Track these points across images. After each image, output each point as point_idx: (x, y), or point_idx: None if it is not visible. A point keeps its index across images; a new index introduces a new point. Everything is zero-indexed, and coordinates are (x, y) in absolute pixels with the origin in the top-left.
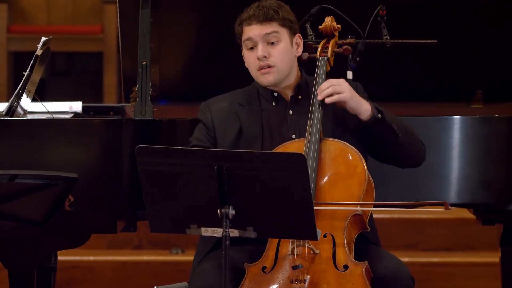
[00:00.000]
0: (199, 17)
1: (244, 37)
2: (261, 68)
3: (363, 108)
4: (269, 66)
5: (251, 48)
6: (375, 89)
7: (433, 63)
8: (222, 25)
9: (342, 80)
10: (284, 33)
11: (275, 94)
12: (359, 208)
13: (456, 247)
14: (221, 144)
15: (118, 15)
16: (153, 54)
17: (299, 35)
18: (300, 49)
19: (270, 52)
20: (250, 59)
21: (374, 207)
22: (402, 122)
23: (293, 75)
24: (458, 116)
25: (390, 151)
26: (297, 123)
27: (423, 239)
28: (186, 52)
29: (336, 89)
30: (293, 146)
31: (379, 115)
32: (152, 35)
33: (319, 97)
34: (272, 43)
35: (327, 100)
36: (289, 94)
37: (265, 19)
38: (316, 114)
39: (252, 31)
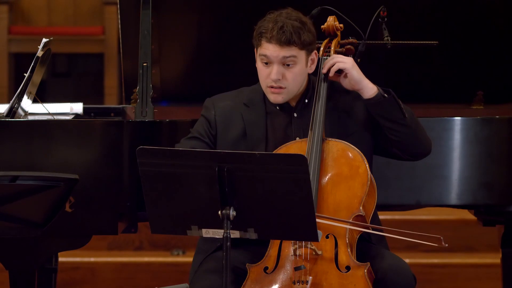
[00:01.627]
0: (200, 18)
1: (261, 51)
2: (272, 87)
3: (367, 85)
4: (280, 87)
5: (266, 63)
6: None
7: (433, 64)
8: (223, 26)
9: (348, 57)
10: (301, 55)
11: None
12: (361, 208)
13: (457, 248)
14: (221, 144)
15: (119, 16)
16: (154, 55)
17: (316, 52)
18: (314, 66)
19: (285, 74)
20: (263, 74)
21: (371, 229)
22: (410, 110)
23: (302, 87)
24: (459, 118)
25: (396, 133)
26: (302, 126)
27: None
28: (187, 53)
29: (337, 59)
30: (295, 146)
31: (386, 95)
32: (153, 36)
33: (323, 70)
34: (288, 65)
35: (331, 70)
36: (294, 101)
37: (287, 43)
38: (319, 114)
39: (270, 50)
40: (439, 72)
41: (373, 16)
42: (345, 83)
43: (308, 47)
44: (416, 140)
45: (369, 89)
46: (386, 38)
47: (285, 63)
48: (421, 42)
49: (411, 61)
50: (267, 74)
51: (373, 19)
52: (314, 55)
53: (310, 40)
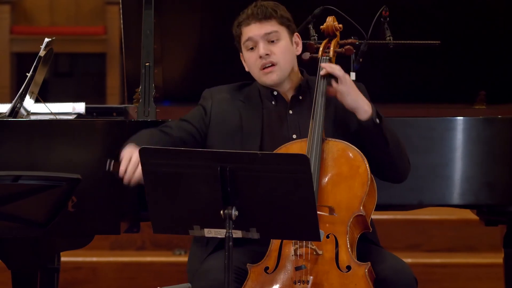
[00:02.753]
0: (202, 18)
1: (244, 38)
2: (264, 67)
3: (362, 108)
4: (272, 64)
5: (252, 49)
6: (377, 90)
7: (436, 64)
8: (225, 26)
9: (348, 78)
10: (283, 31)
11: (275, 93)
12: (361, 208)
13: (459, 248)
14: (214, 135)
15: (121, 16)
16: (156, 55)
17: (297, 34)
18: (300, 48)
19: (272, 50)
20: (251, 60)
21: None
22: (396, 136)
23: (294, 75)
24: (461, 117)
25: (376, 157)
26: (298, 123)
27: (425, 240)
28: (189, 53)
29: (336, 70)
30: (295, 146)
31: (377, 120)
32: (155, 36)
33: (322, 72)
34: (273, 41)
35: (323, 66)
36: (289, 94)
37: (264, 17)
38: (319, 114)
39: (252, 30)
40: (441, 72)
41: (375, 16)
42: (343, 99)
43: (287, 23)
44: (393, 167)
45: (363, 113)
46: (388, 38)
47: (270, 40)
48: (424, 42)
49: (413, 61)
50: (256, 57)
51: (375, 19)
52: (297, 38)
53: (288, 17)
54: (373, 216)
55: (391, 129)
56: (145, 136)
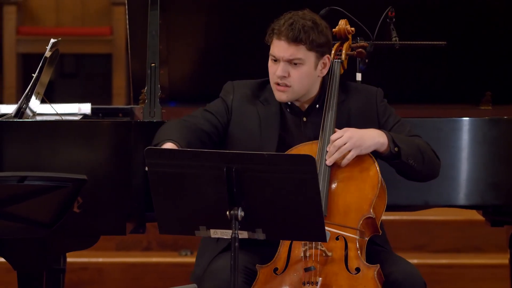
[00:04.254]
0: (208, 18)
1: (271, 48)
2: (278, 84)
3: (379, 143)
4: (286, 85)
5: (275, 60)
6: (384, 91)
7: (442, 65)
8: (231, 27)
9: (346, 135)
10: (309, 57)
11: (289, 103)
12: (371, 211)
13: (464, 249)
14: (231, 137)
15: (127, 16)
16: (162, 55)
17: (328, 56)
18: (325, 70)
19: (290, 72)
20: (271, 70)
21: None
22: (418, 148)
23: (313, 92)
24: (467, 118)
25: (404, 174)
26: (312, 131)
27: (431, 240)
28: (195, 53)
29: (343, 152)
30: (306, 148)
31: (396, 149)
32: (161, 36)
33: (327, 163)
34: (295, 63)
35: (342, 165)
36: (306, 105)
37: (294, 40)
38: (330, 117)
39: (278, 48)
40: (447, 73)
41: (381, 16)
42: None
43: (317, 48)
44: (423, 176)
45: (381, 145)
46: (394, 39)
47: (292, 62)
48: (429, 42)
49: (419, 62)
50: (274, 71)
51: (381, 20)
52: (326, 59)
53: (321, 42)
54: None
55: (410, 146)
56: (177, 130)
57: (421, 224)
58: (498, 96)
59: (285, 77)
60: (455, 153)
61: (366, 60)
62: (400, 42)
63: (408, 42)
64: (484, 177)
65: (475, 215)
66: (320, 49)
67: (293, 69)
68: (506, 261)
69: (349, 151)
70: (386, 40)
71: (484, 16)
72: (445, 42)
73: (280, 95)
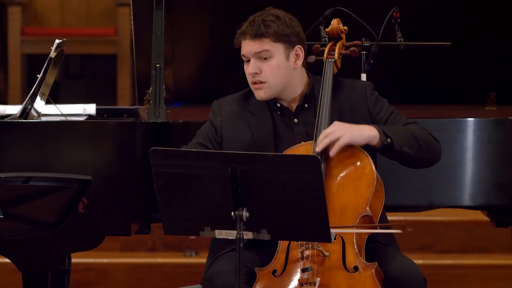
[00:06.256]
0: (213, 19)
1: (241, 51)
2: (254, 83)
3: (370, 136)
4: (260, 82)
5: (247, 61)
6: (388, 91)
7: (446, 65)
8: (236, 27)
9: (335, 124)
10: (277, 48)
11: (278, 105)
12: (367, 209)
13: (470, 249)
14: (228, 148)
15: (132, 17)
16: (167, 56)
17: (300, 46)
18: (300, 61)
19: (262, 68)
20: (246, 72)
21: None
22: (412, 134)
23: (297, 87)
24: (472, 118)
25: (405, 163)
26: (304, 131)
27: (436, 241)
28: (200, 54)
29: (332, 138)
30: (301, 149)
31: (388, 140)
32: (166, 37)
33: (317, 149)
34: (265, 58)
35: (331, 154)
36: (294, 105)
37: (255, 35)
38: (324, 117)
39: (245, 47)
40: (452, 73)
41: (386, 17)
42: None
43: (284, 39)
44: (423, 161)
45: (373, 138)
46: (399, 39)
47: (261, 57)
48: (434, 43)
49: (424, 62)
50: (247, 71)
51: (386, 20)
52: (299, 50)
53: (286, 32)
54: None
55: (404, 136)
56: None
57: (426, 225)
58: (503, 97)
59: (257, 73)
60: (460, 154)
61: (371, 61)
62: (405, 43)
63: (413, 43)
64: (489, 178)
65: (480, 216)
66: (287, 39)
67: (264, 64)
68: (511, 261)
69: (338, 138)
70: (391, 41)
71: (489, 17)
72: (450, 43)
73: (259, 93)
